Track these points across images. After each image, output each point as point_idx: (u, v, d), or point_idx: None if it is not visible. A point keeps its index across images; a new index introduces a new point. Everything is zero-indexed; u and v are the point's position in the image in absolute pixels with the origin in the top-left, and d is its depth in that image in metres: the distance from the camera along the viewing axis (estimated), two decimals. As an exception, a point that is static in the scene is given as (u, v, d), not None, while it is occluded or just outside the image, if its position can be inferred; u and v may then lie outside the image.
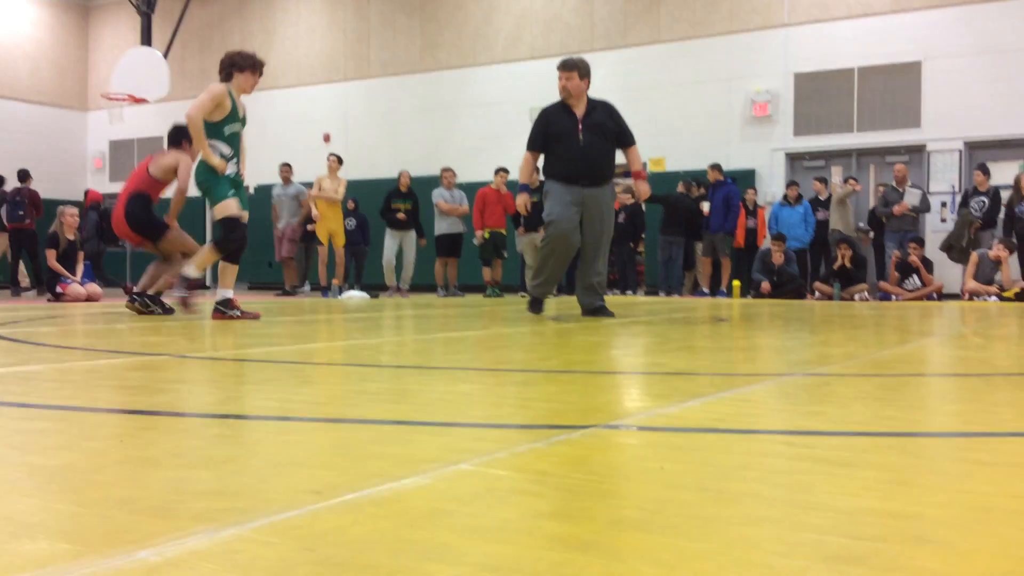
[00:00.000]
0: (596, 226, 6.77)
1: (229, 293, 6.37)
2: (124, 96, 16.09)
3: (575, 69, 6.70)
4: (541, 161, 7.02)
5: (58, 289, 10.80)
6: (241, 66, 6.38)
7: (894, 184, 12.81)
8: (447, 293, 13.50)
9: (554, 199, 6.75)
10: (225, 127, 6.28)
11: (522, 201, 7.13)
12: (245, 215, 6.41)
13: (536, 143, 6.86)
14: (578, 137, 6.65)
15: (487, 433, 1.92)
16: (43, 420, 2.10)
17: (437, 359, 3.73)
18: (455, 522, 1.18)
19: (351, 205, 14.09)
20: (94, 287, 11.22)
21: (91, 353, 3.97)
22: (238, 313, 6.30)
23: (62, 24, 21.50)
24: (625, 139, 6.88)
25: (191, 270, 6.42)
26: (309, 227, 13.70)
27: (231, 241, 6.36)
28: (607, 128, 6.76)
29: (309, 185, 13.74)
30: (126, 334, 5.19)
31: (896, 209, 12.50)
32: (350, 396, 2.59)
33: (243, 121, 6.43)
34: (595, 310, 6.84)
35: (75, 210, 11.47)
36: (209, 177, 6.29)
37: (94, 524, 1.18)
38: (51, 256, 10.92)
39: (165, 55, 16.79)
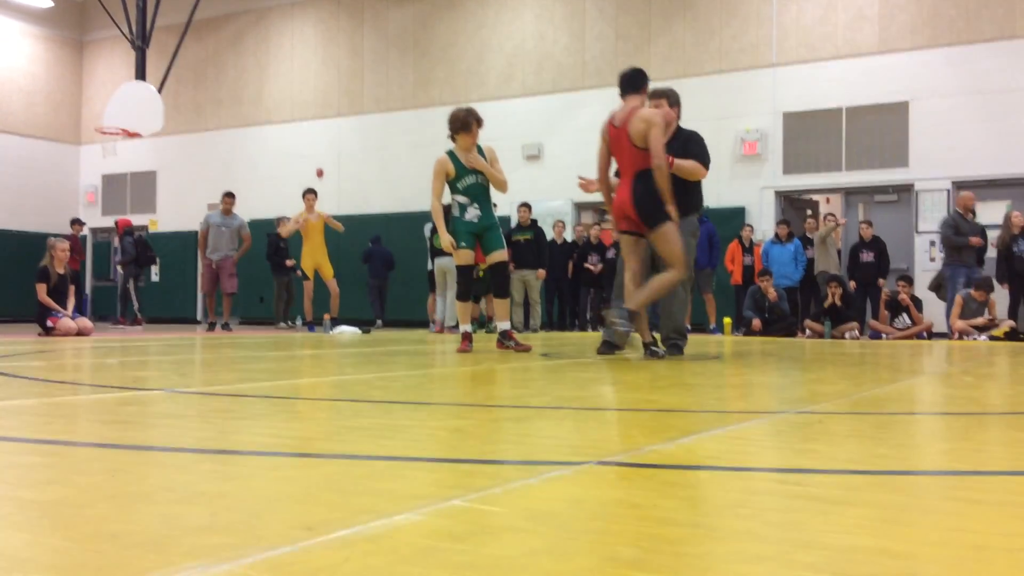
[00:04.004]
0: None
1: (506, 325, 7.24)
2: (118, 130, 16.13)
3: (663, 97, 6.55)
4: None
5: (48, 323, 10.75)
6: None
7: (960, 211, 12.09)
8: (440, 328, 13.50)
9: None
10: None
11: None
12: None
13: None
14: None
15: (480, 469, 1.92)
16: (34, 454, 2.09)
17: (429, 394, 3.72)
18: (448, 559, 1.18)
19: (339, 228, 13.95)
20: (85, 321, 11.17)
21: (82, 387, 3.95)
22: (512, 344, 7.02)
23: (56, 58, 21.60)
24: None
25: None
26: (288, 262, 13.50)
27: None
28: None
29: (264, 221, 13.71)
30: (117, 368, 5.18)
31: (973, 240, 11.84)
32: (342, 431, 2.58)
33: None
34: (669, 346, 6.60)
35: (66, 244, 11.44)
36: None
37: (85, 559, 1.18)
38: (41, 290, 10.86)
39: (159, 89, 16.86)
